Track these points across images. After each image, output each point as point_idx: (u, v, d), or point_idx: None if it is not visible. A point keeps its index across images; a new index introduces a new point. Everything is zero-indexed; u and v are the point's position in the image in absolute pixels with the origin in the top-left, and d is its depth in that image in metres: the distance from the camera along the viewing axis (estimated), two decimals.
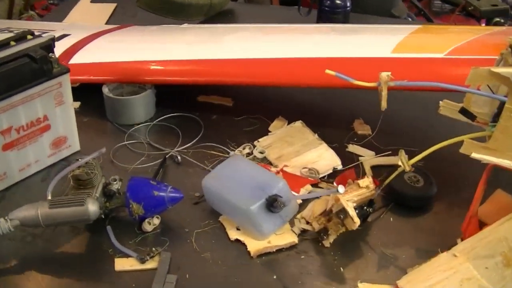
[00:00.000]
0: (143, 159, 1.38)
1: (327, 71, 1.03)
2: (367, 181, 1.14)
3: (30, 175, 1.33)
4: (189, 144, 1.42)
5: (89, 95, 1.51)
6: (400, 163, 1.12)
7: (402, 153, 1.13)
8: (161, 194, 1.13)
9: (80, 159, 1.13)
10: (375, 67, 1.32)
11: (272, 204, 1.10)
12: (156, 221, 1.16)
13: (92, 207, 1.07)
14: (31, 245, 1.14)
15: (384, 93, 1.04)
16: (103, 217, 1.15)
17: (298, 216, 1.19)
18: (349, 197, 1.11)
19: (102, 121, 1.53)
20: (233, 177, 1.17)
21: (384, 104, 1.04)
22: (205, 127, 1.48)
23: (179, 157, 1.36)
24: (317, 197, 1.18)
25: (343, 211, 1.09)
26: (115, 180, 1.16)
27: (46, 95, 1.27)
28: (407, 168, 1.12)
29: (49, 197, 1.09)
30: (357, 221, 1.08)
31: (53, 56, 1.25)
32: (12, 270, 1.09)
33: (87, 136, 1.43)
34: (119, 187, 1.16)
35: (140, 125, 1.50)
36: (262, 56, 1.42)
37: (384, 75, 1.03)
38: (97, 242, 1.14)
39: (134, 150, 1.41)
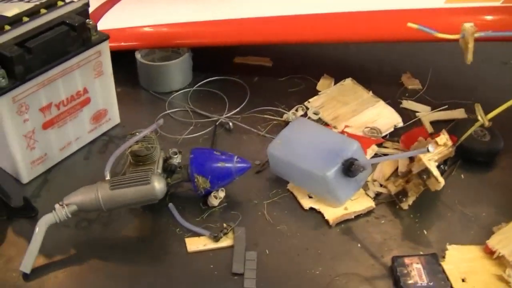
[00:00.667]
0: (192, 128, 1.28)
1: (410, 24, 0.94)
2: (444, 138, 1.07)
3: (71, 153, 1.23)
4: (237, 109, 1.32)
5: (115, 63, 1.41)
6: (478, 118, 1.06)
7: (479, 107, 1.07)
8: (228, 165, 1.05)
9: (137, 133, 1.04)
10: (429, 18, 1.24)
11: (349, 168, 1.02)
12: (221, 194, 1.08)
13: (159, 185, 0.98)
14: (88, 231, 1.05)
15: (471, 46, 0.96)
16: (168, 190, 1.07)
17: (370, 179, 1.12)
18: (430, 156, 1.03)
19: (137, 90, 1.43)
20: (302, 142, 1.09)
21: (470, 57, 0.97)
22: (249, 90, 1.39)
23: (230, 124, 1.28)
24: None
25: (426, 171, 1.02)
26: (175, 153, 1.07)
27: (86, 66, 1.16)
28: (486, 123, 1.06)
29: (108, 177, 1.00)
30: (442, 181, 1.02)
31: (91, 23, 1.14)
32: (72, 260, 0.99)
33: (125, 107, 1.33)
34: (179, 161, 1.07)
35: (178, 92, 1.41)
36: (308, 11, 1.32)
37: (468, 26, 0.95)
38: (161, 223, 1.06)
39: (179, 119, 1.32)
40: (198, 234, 1.02)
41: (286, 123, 1.25)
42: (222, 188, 1.08)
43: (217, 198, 1.08)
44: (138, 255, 1.01)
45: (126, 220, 1.07)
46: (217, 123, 1.28)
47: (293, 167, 1.08)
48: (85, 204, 0.97)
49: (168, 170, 1.06)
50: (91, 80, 1.20)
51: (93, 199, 0.97)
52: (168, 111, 1.34)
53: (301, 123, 1.17)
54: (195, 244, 1.01)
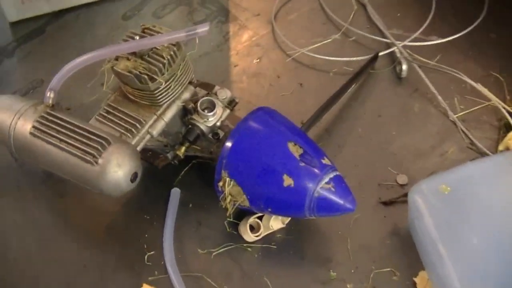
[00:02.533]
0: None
1: None
2: None
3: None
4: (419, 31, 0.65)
5: None
6: None
7: None
8: (323, 188, 0.45)
9: (156, 31, 0.48)
10: None
11: None
12: (271, 224, 0.50)
13: (114, 175, 0.45)
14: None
15: None
16: (176, 162, 0.54)
17: None
18: None
19: None
20: None
21: None
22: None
23: (404, 64, 0.62)
24: None
25: None
26: (211, 102, 0.50)
27: None
28: None
29: (50, 101, 0.48)
30: None
31: None
32: None
33: None
34: (220, 117, 0.50)
35: None
36: None
37: None
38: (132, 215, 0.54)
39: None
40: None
41: None
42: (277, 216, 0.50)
43: (256, 231, 0.50)
44: None
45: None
46: (378, 54, 0.63)
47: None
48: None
49: (186, 131, 0.50)
50: None
51: (5, 130, 0.47)
52: None
53: None
54: None
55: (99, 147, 0.44)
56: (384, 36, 0.67)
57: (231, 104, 0.52)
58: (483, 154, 0.57)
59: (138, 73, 0.46)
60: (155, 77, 0.45)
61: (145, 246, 0.52)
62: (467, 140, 0.58)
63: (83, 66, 0.47)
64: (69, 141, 0.45)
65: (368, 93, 0.63)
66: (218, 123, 0.50)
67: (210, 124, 0.50)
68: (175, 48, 0.47)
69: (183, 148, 0.51)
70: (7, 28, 0.71)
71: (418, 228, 0.46)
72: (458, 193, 0.45)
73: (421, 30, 0.67)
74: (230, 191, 0.47)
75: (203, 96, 0.51)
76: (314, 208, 0.45)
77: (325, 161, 0.46)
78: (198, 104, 0.50)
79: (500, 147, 0.56)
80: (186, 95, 0.50)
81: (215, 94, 0.52)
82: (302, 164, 0.45)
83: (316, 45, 0.66)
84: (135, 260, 0.52)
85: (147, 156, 0.54)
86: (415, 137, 0.59)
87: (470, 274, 0.42)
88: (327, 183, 0.45)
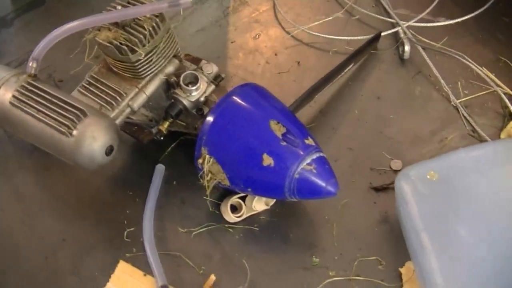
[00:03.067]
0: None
1: None
2: None
3: None
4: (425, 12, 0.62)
5: None
6: None
7: None
8: (304, 169, 0.43)
9: (135, 1, 0.46)
10: None
11: None
12: (255, 206, 0.49)
13: (88, 148, 0.43)
14: None
15: None
16: (159, 138, 0.51)
17: None
18: None
19: None
20: None
21: None
22: None
23: (406, 44, 0.59)
24: None
25: None
26: (195, 76, 0.48)
27: None
28: None
29: (33, 71, 0.46)
30: None
31: None
32: None
33: None
34: (204, 93, 0.48)
35: None
36: None
37: None
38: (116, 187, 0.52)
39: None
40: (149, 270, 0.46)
41: None
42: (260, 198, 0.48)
43: (238, 212, 0.48)
44: None
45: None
46: (380, 33, 0.60)
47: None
48: None
49: (169, 106, 0.48)
50: None
51: None
52: None
53: None
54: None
55: (74, 119, 0.43)
56: (389, 16, 0.64)
57: (216, 79, 0.50)
58: (484, 142, 0.54)
59: (118, 44, 0.44)
60: (136, 48, 0.44)
61: (125, 222, 0.51)
62: (469, 127, 0.55)
63: (65, 35, 0.45)
64: (46, 111, 0.44)
65: (368, 74, 0.60)
66: (202, 98, 0.48)
67: (193, 99, 0.48)
68: (157, 20, 0.45)
69: (166, 123, 0.49)
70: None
71: (403, 216, 0.43)
72: (447, 181, 0.42)
73: (428, 10, 0.63)
74: (210, 168, 0.45)
75: (187, 70, 0.49)
76: (294, 189, 0.43)
77: (309, 141, 0.44)
78: (181, 78, 0.48)
79: (502, 135, 0.53)
80: (170, 69, 0.48)
81: (201, 68, 0.50)
82: (284, 143, 0.43)
83: (317, 23, 0.64)
84: (114, 236, 0.51)
85: (133, 130, 0.53)
86: (414, 121, 0.56)
87: (454, 267, 0.40)
88: (308, 164, 0.43)
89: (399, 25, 0.62)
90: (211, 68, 0.50)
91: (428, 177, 0.43)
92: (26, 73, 0.47)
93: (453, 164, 0.43)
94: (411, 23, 0.62)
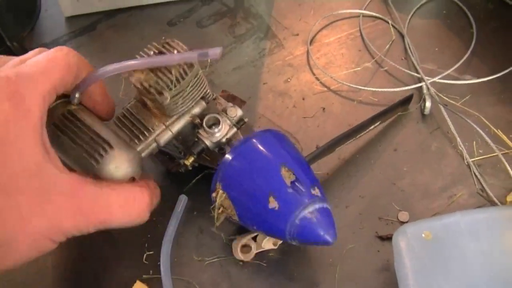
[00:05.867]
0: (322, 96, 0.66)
1: None
2: None
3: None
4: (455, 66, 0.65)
5: None
6: None
7: None
8: (305, 217, 0.47)
9: (169, 46, 0.50)
10: None
11: None
12: (268, 245, 0.52)
13: (110, 176, 0.48)
14: None
15: None
16: (183, 171, 0.57)
17: None
18: None
19: None
20: None
21: None
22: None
23: (427, 103, 0.62)
24: None
25: None
26: (215, 119, 0.52)
27: None
28: None
29: (75, 101, 0.50)
30: None
31: None
32: None
33: None
34: (226, 135, 0.53)
35: None
36: None
37: None
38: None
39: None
40: None
41: None
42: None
43: (249, 251, 0.53)
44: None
45: None
46: (412, 97, 0.63)
47: None
48: None
49: (193, 144, 0.53)
50: None
51: None
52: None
53: None
54: None
55: (101, 150, 0.47)
56: (416, 71, 0.67)
57: (239, 123, 0.54)
58: (492, 203, 0.56)
59: (147, 86, 0.48)
60: (163, 91, 0.48)
61: (146, 245, 0.56)
62: (479, 185, 0.58)
63: (106, 76, 0.49)
64: (79, 139, 0.48)
65: (388, 125, 0.63)
66: (224, 140, 0.53)
67: (215, 140, 0.52)
68: (185, 66, 0.49)
69: (190, 159, 0.53)
70: (62, 23, 0.76)
71: (397, 270, 0.46)
72: (440, 241, 0.45)
73: (454, 67, 0.66)
74: (222, 202, 0.50)
75: (210, 113, 0.53)
76: (294, 234, 0.46)
77: (315, 191, 0.47)
78: (204, 121, 0.52)
79: (508, 198, 0.55)
80: (196, 110, 0.53)
81: (225, 112, 0.54)
82: (290, 190, 0.47)
83: (346, 71, 0.67)
84: (135, 257, 0.55)
85: (164, 159, 0.58)
86: (427, 175, 0.59)
87: None
88: (310, 212, 0.46)
89: (424, 81, 0.65)
90: (235, 112, 0.54)
91: (423, 235, 0.45)
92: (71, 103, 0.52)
93: (448, 226, 0.46)
94: (436, 79, 0.65)
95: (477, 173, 0.58)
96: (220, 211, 0.50)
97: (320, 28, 0.73)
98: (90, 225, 0.44)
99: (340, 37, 0.72)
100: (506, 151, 0.59)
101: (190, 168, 0.55)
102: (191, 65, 0.50)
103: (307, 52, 0.71)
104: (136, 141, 0.51)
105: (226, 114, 0.54)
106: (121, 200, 0.46)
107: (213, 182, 0.50)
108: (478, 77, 0.65)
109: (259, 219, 0.48)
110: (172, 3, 0.77)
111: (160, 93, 0.49)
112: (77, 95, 0.51)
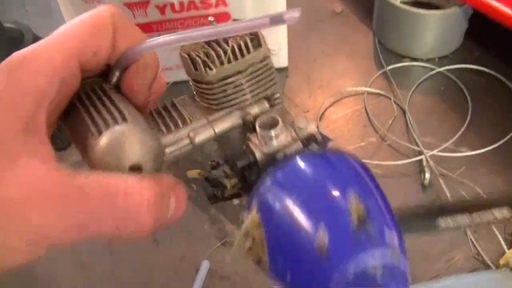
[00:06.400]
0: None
1: None
2: None
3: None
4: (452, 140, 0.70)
5: None
6: None
7: None
8: (365, 271, 0.29)
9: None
10: None
11: None
12: None
13: (111, 155, 0.31)
14: None
15: None
16: (220, 196, 0.38)
17: None
18: None
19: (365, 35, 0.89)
20: None
21: None
22: None
23: (427, 174, 0.68)
24: None
25: None
26: (302, 123, 0.37)
27: None
28: None
29: (114, 80, 0.35)
30: None
31: None
32: None
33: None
34: (284, 147, 0.36)
35: (415, 63, 0.83)
36: None
37: None
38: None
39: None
40: None
41: None
42: None
43: None
44: None
45: None
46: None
47: None
48: None
49: (238, 154, 0.37)
50: None
51: None
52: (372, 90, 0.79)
53: None
54: None
55: (110, 120, 0.31)
56: (417, 144, 0.74)
57: (308, 140, 0.37)
58: (486, 266, 0.62)
59: (194, 55, 0.36)
60: (211, 65, 0.35)
61: None
62: (474, 250, 0.63)
63: (157, 49, 0.34)
64: (92, 108, 0.32)
65: (391, 195, 0.68)
66: (280, 155, 0.35)
67: (268, 151, 0.35)
68: (247, 38, 0.36)
69: (234, 179, 0.37)
70: None
71: None
72: None
73: (451, 141, 0.73)
74: (252, 232, 0.32)
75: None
76: None
77: (391, 238, 0.31)
78: (258, 121, 0.36)
79: (501, 261, 0.61)
80: (255, 110, 0.37)
81: (292, 122, 0.37)
82: (354, 228, 0.29)
83: (352, 146, 0.74)
84: None
85: (211, 187, 0.37)
86: (427, 240, 0.64)
87: None
88: (374, 267, 0.29)
89: (423, 154, 0.71)
90: (305, 124, 0.37)
91: None
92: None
93: None
94: (435, 152, 0.72)
95: (472, 238, 0.64)
96: (250, 244, 0.31)
97: (328, 105, 0.80)
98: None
99: (347, 113, 0.79)
100: (498, 219, 0.65)
101: (231, 192, 0.37)
102: (258, 44, 0.37)
103: (317, 128, 0.78)
104: (164, 130, 0.36)
105: (293, 124, 0.37)
106: (100, 191, 0.29)
107: (250, 198, 0.33)
108: (473, 149, 0.72)
109: (296, 263, 0.30)
110: None
111: (208, 67, 0.35)
112: (116, 73, 0.36)
